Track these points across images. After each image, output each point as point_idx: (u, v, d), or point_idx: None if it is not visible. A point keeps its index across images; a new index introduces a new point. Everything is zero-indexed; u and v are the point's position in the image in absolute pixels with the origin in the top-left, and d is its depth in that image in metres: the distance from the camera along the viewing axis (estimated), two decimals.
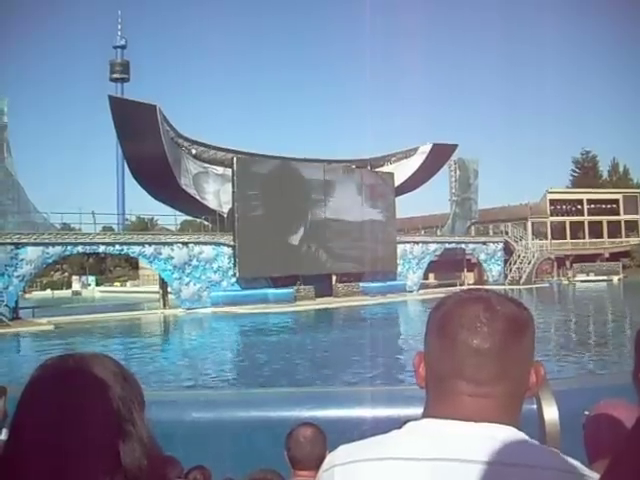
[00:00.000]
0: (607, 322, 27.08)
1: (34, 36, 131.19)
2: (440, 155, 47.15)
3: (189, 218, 45.91)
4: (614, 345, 19.05)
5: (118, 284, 65.38)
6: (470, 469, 0.86)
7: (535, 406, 2.45)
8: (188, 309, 34.36)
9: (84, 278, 64.04)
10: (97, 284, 63.87)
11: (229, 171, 37.68)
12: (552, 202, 62.87)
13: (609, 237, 62.98)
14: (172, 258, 34.60)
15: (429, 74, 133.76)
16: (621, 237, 63.50)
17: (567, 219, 62.84)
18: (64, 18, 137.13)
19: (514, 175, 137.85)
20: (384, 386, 9.61)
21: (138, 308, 36.67)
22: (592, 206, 63.67)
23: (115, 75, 70.60)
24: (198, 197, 38.30)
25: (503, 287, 43.79)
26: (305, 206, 39.57)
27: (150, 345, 23.23)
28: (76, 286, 62.59)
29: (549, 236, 60.59)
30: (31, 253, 30.38)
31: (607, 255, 60.48)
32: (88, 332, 26.26)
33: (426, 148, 46.86)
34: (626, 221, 63.80)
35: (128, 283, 64.46)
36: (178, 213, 40.17)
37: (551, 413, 2.43)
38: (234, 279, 36.69)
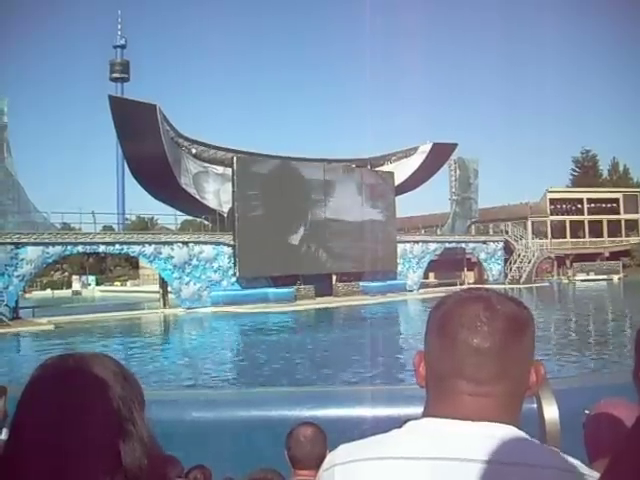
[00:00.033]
0: (607, 321, 27.08)
1: (34, 36, 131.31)
2: (440, 154, 47.14)
3: (189, 218, 45.95)
4: (614, 344, 19.04)
5: (118, 284, 65.37)
6: (470, 468, 0.86)
7: (535, 405, 2.45)
8: (188, 308, 34.36)
9: (84, 278, 64.02)
10: (97, 284, 63.86)
11: (229, 170, 37.68)
12: (552, 201, 62.87)
13: (609, 236, 62.97)
14: (172, 258, 34.61)
15: (429, 74, 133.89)
16: (621, 236, 63.50)
17: (567, 218, 62.85)
18: (64, 18, 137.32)
19: (514, 174, 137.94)
20: (384, 385, 9.61)
21: (138, 308, 36.66)
22: (592, 205, 63.68)
23: (115, 75, 70.62)
24: (198, 197, 38.29)
25: (503, 286, 43.83)
26: (305, 205, 39.56)
27: (150, 345, 23.22)
28: (76, 286, 62.57)
29: (549, 235, 60.60)
30: (31, 253, 30.38)
31: (607, 254, 60.49)
32: (88, 332, 26.25)
33: (426, 147, 46.84)
34: (626, 220, 63.81)
35: (128, 283, 64.46)
36: (178, 213, 40.21)
37: (551, 412, 2.43)
38: (234, 278, 36.70)
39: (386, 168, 46.61)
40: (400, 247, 44.72)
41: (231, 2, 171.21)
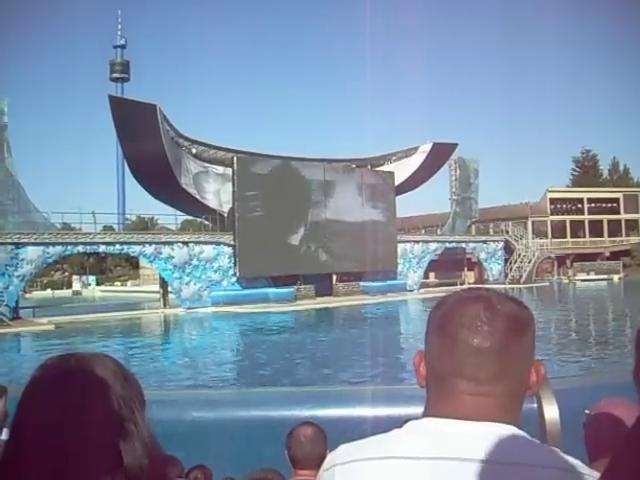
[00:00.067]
0: (607, 321, 27.09)
1: (34, 36, 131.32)
2: (440, 154, 47.14)
3: (189, 218, 45.95)
4: (614, 344, 19.04)
5: (118, 284, 65.38)
6: (470, 468, 0.85)
7: (536, 405, 2.45)
8: (188, 308, 34.37)
9: (84, 278, 64.03)
10: (97, 284, 63.87)
11: (229, 170, 37.68)
12: (552, 201, 62.88)
13: (609, 236, 62.99)
14: (172, 257, 34.61)
15: (429, 74, 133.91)
16: (621, 236, 63.50)
17: (567, 218, 62.85)
18: (64, 18, 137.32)
19: (514, 174, 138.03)
20: (384, 385, 9.61)
21: (138, 308, 36.67)
22: (592, 205, 63.68)
23: (115, 75, 70.59)
24: (198, 196, 38.29)
25: (503, 286, 43.83)
26: (305, 205, 39.56)
27: (150, 345, 23.22)
28: (76, 286, 62.59)
29: (549, 235, 60.59)
30: (31, 253, 30.39)
31: (607, 254, 60.50)
32: (88, 332, 26.25)
33: (426, 147, 46.83)
34: (626, 220, 63.81)
35: (128, 283, 64.46)
36: (178, 213, 40.22)
37: (552, 412, 2.42)
38: (234, 278, 36.70)
39: (386, 168, 46.60)
40: (400, 247, 44.72)
41: (231, 2, 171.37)
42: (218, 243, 36.31)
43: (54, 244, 31.18)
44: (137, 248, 34.09)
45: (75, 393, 0.89)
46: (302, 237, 39.27)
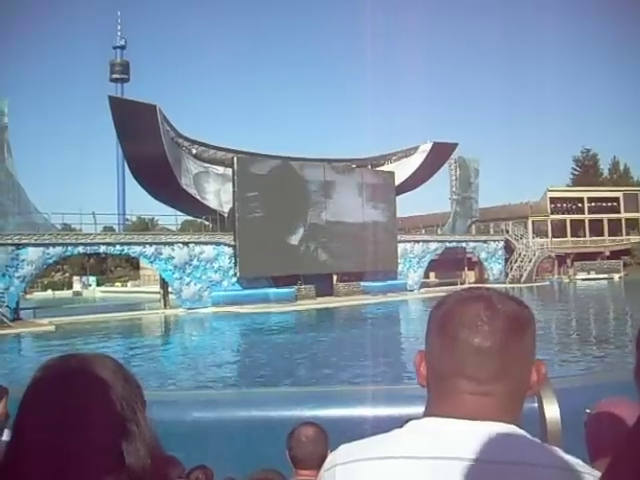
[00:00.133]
0: (608, 320, 27.08)
1: (34, 36, 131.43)
2: (440, 154, 47.13)
3: (190, 218, 45.92)
4: (615, 343, 19.03)
5: (119, 284, 65.36)
6: (471, 468, 0.86)
7: (536, 404, 2.45)
8: (189, 309, 34.36)
9: (85, 278, 64.03)
10: (98, 284, 63.85)
11: (229, 171, 37.68)
12: (553, 200, 62.85)
13: (610, 235, 62.96)
14: (173, 258, 34.60)
15: (429, 74, 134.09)
16: (622, 235, 63.48)
17: (568, 217, 62.84)
18: (64, 18, 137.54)
19: (514, 174, 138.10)
20: (385, 385, 9.60)
21: (139, 308, 36.65)
22: (593, 204, 63.66)
23: (115, 75, 70.71)
24: (198, 197, 38.30)
25: (504, 286, 43.80)
26: (305, 205, 39.56)
27: (151, 345, 23.22)
28: (77, 286, 62.56)
29: (550, 234, 60.57)
30: (32, 254, 30.38)
31: (608, 253, 60.47)
32: (89, 332, 26.23)
33: (426, 147, 46.83)
34: (627, 219, 63.79)
35: (129, 283, 64.45)
36: (179, 213, 40.19)
37: (552, 411, 2.42)
38: (235, 279, 36.70)
39: (386, 168, 46.59)
40: (401, 247, 44.71)
41: (230, 2, 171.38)
42: (218, 243, 36.31)
43: (54, 245, 31.17)
44: (137, 249, 34.09)
45: (76, 394, 0.89)
46: (302, 237, 39.26)
